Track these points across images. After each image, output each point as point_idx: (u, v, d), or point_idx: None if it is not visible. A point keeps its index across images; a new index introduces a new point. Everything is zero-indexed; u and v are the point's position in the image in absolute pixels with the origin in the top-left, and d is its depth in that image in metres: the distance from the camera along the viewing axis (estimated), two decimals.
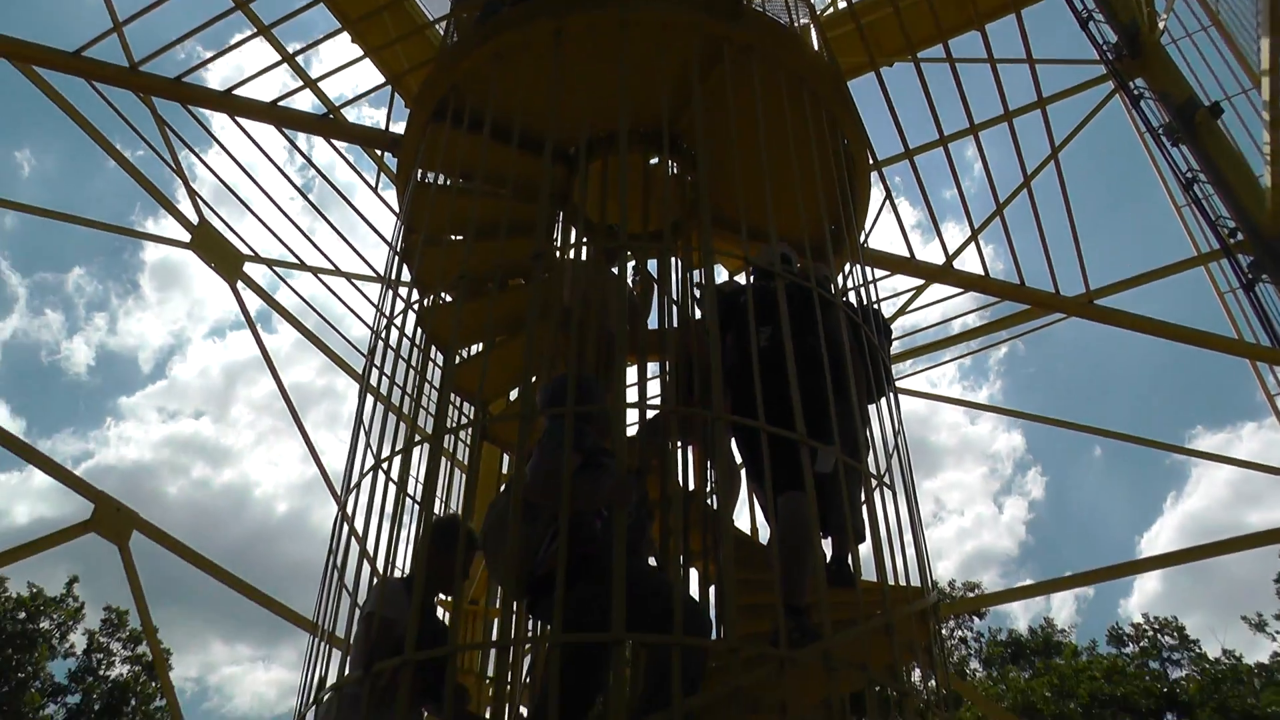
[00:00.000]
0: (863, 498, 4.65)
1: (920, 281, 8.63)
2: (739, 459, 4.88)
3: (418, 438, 4.39)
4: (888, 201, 7.64)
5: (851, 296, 5.49)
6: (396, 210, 6.50)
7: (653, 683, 3.49)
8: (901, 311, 9.11)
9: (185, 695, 52.85)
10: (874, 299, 5.54)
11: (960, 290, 8.12)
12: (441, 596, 4.71)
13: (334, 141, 8.38)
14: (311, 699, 3.93)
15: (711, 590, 4.45)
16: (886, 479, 4.35)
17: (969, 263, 7.74)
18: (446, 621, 4.94)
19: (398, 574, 4.25)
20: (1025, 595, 8.42)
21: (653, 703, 3.34)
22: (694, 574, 4.85)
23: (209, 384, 62.59)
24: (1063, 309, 7.48)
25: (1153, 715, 23.18)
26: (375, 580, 4.02)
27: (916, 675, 4.60)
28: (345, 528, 4.34)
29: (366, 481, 4.19)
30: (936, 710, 4.09)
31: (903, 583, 4.15)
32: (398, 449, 4.19)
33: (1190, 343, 7.23)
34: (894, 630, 3.73)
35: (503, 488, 4.17)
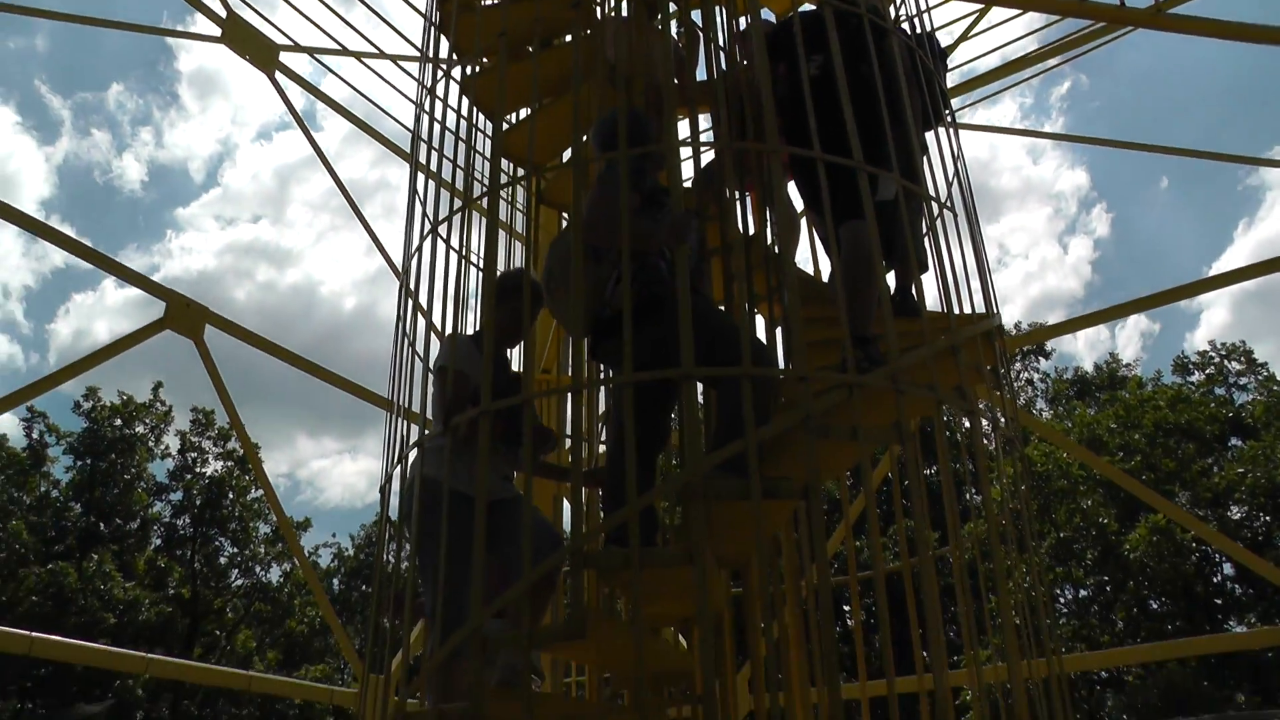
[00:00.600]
0: (924, 227, 4.61)
1: (978, 6, 8.21)
2: (798, 198, 4.82)
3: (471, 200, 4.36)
4: None
5: (906, 26, 5.28)
6: None
7: (724, 420, 3.57)
8: (962, 38, 8.70)
9: (279, 490, 55.67)
10: (929, 26, 5.32)
11: (1020, 12, 7.71)
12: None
13: None
14: (396, 460, 4.10)
15: (779, 332, 4.48)
16: (948, 204, 4.28)
17: None
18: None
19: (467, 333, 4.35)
20: (1089, 324, 8.35)
21: (725, 438, 3.42)
22: (759, 319, 4.89)
23: (262, 187, 62.92)
24: (1130, 21, 7.05)
25: (1217, 440, 23.49)
26: (444, 339, 4.10)
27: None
28: (409, 300, 4.41)
29: (426, 251, 4.21)
30: (1004, 430, 4.16)
31: (967, 310, 4.17)
32: (455, 209, 4.17)
33: (1272, 42, 6.75)
34: (960, 351, 3.76)
35: (564, 224, 4.14)
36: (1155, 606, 21.78)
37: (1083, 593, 23.61)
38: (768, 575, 3.36)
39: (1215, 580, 22.68)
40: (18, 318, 56.12)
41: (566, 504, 4.79)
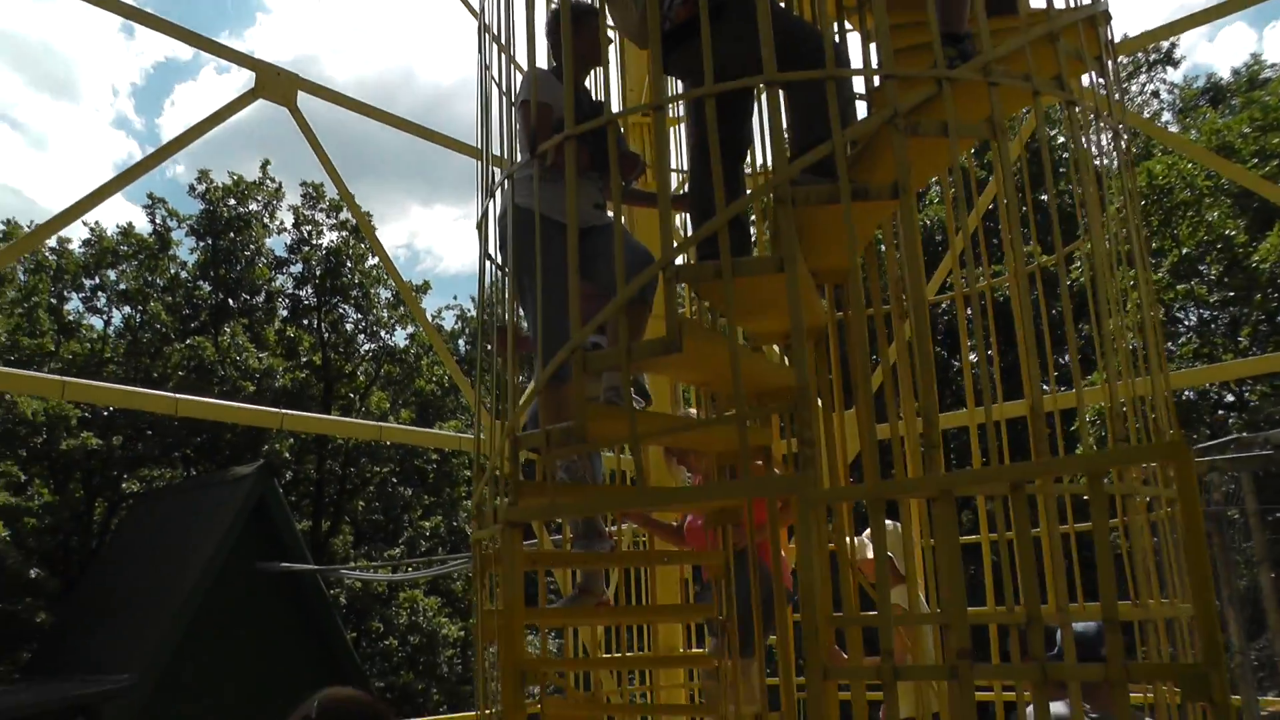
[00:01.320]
0: None
1: None
2: None
3: None
4: None
5: None
6: None
7: (805, 124, 3.49)
8: None
9: (399, 261, 57.20)
10: None
11: None
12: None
13: None
14: (491, 190, 4.14)
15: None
16: None
17: None
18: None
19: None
20: (1218, 15, 7.67)
21: (807, 143, 3.35)
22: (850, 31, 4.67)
23: None
24: None
25: None
26: (524, 74, 4.05)
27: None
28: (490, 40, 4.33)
29: None
30: (1110, 122, 3.97)
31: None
32: None
33: None
34: (1058, 39, 3.55)
35: None
36: None
37: (1204, 312, 22.96)
38: (860, 285, 3.34)
39: None
40: (130, 114, 57.18)
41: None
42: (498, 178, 4.07)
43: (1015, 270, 3.51)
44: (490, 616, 3.67)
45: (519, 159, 4.00)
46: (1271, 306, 20.43)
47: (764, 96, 3.86)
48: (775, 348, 4.94)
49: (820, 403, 3.98)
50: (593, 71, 4.49)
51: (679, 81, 4.28)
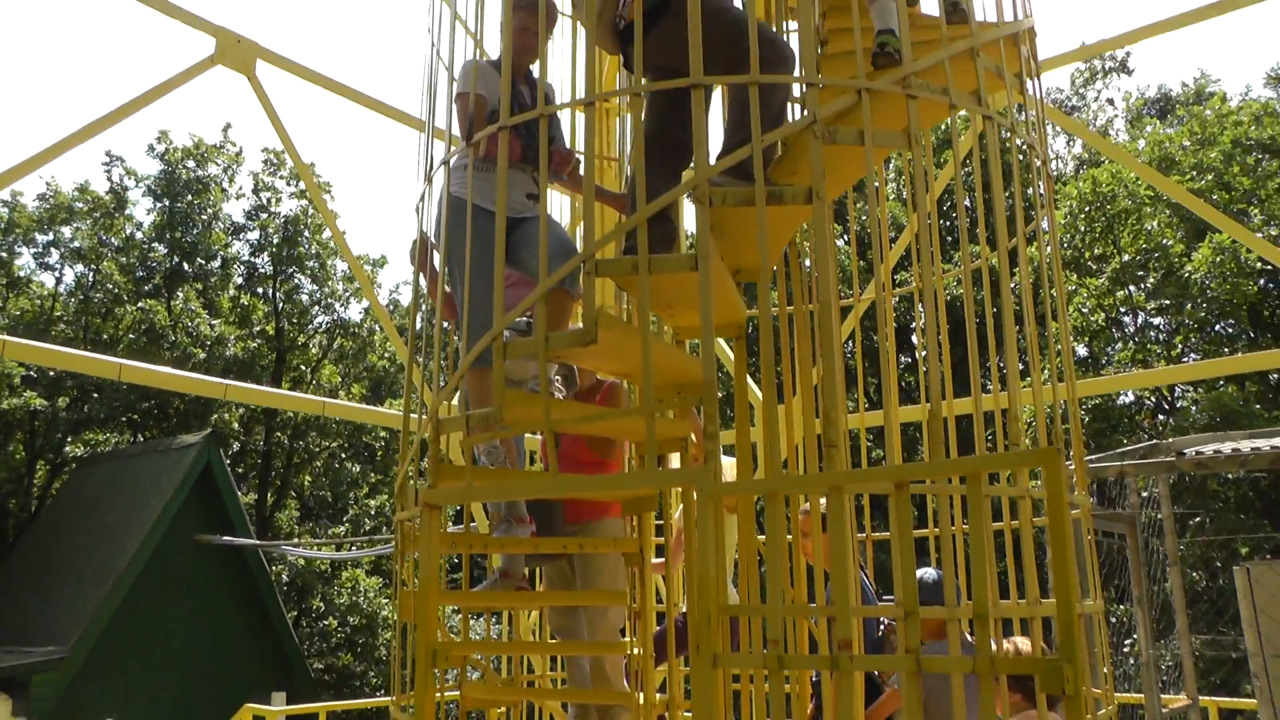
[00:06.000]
0: None
1: None
2: None
3: None
4: None
5: None
6: None
7: (733, 124, 3.61)
8: None
9: (367, 226, 56.58)
10: None
11: None
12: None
13: None
14: (429, 175, 4.21)
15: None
16: None
17: None
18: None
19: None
20: (1166, 29, 7.90)
21: (734, 143, 3.47)
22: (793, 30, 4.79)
23: None
24: None
25: None
26: (464, 63, 4.13)
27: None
28: (439, 15, 4.39)
29: None
30: (1030, 138, 4.11)
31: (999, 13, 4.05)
32: None
33: None
34: (978, 54, 3.68)
35: None
36: (1218, 330, 21.60)
37: (1142, 317, 23.49)
38: (769, 283, 3.45)
39: None
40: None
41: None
42: (440, 158, 4.15)
43: (927, 281, 3.63)
44: (408, 597, 3.77)
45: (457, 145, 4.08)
46: (1201, 316, 20.94)
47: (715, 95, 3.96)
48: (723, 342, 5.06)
49: (760, 394, 4.09)
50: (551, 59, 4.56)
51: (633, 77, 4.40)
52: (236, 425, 27.84)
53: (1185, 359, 21.12)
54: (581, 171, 4.35)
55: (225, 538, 17.15)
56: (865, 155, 3.36)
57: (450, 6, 4.18)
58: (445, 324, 4.25)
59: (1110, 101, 30.26)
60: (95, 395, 26.50)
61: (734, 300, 3.98)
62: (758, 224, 3.15)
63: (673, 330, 4.41)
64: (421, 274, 4.36)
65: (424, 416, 3.91)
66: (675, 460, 4.49)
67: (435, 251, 4.22)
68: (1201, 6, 7.76)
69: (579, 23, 4.11)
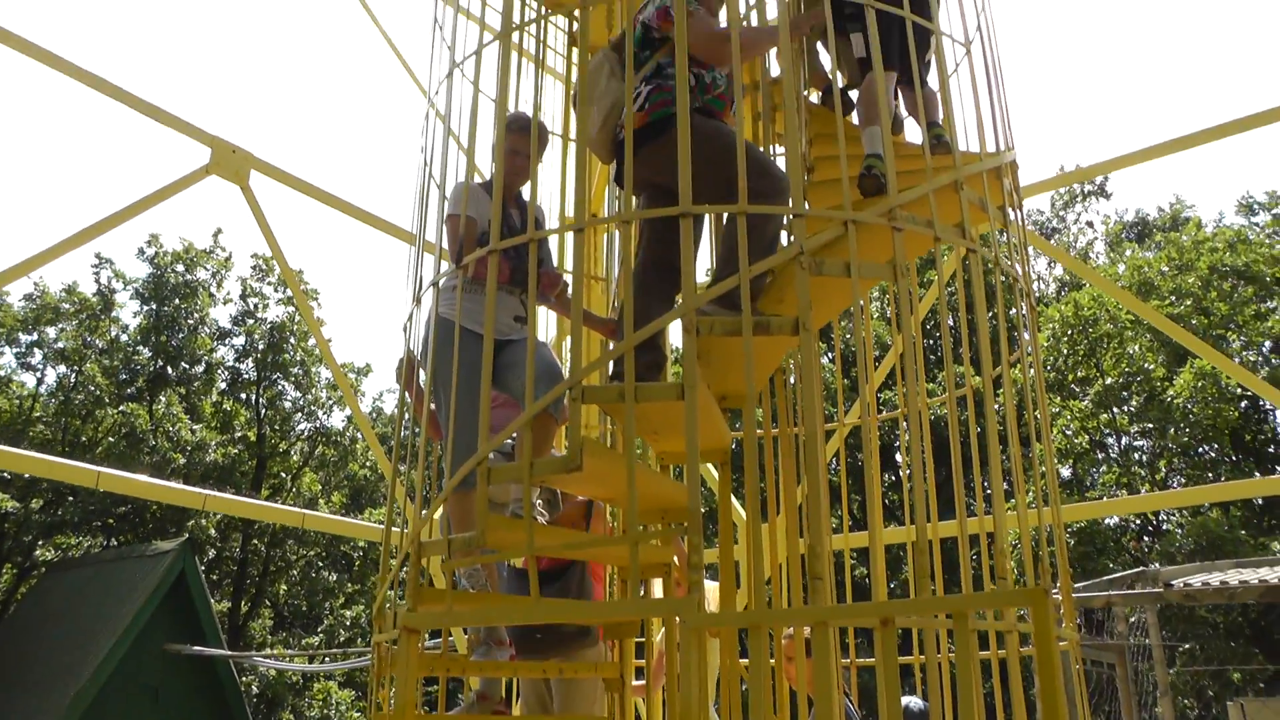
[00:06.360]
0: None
1: None
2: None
3: (490, 37, 4.32)
4: None
5: None
6: None
7: (723, 253, 3.65)
8: None
9: (352, 334, 56.77)
10: None
11: None
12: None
13: None
14: (417, 296, 4.24)
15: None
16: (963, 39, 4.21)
17: None
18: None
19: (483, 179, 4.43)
20: (1143, 159, 8.14)
21: (724, 271, 3.51)
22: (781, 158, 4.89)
23: None
24: None
25: (1277, 283, 22.86)
26: (455, 185, 4.20)
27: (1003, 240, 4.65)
28: (433, 135, 4.46)
29: (454, 90, 4.24)
30: (1007, 269, 4.17)
31: (981, 146, 4.15)
32: (481, 45, 4.13)
33: None
34: (962, 187, 3.75)
35: (610, 45, 4.18)
36: (1200, 455, 21.72)
37: (1125, 440, 23.60)
38: (755, 413, 3.46)
39: (1267, 428, 22.48)
40: None
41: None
42: (428, 277, 4.17)
43: (914, 404, 3.64)
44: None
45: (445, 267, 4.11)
46: (1184, 440, 21.06)
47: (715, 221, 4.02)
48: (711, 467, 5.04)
49: (745, 515, 4.06)
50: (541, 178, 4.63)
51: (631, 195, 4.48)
52: (214, 531, 27.43)
53: (1170, 482, 21.17)
54: (570, 294, 4.39)
55: (195, 647, 16.73)
56: (851, 286, 3.40)
57: (444, 122, 4.25)
58: (430, 442, 4.23)
59: (1090, 224, 30.96)
60: (70, 498, 26.13)
61: (719, 427, 3.98)
62: (744, 354, 3.17)
63: (657, 454, 4.39)
64: (408, 393, 4.35)
65: (405, 531, 3.86)
66: (658, 585, 4.43)
67: (421, 371, 4.22)
68: (1175, 139, 8.02)
69: (572, 136, 4.20)
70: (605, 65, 4.05)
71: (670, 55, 3.87)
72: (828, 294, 3.79)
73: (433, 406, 4.19)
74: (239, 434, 29.80)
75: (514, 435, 4.01)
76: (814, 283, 3.30)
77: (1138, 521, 22.68)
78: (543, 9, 6.14)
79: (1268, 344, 21.95)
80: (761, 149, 4.57)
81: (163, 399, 28.46)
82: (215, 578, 27.66)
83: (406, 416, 4.37)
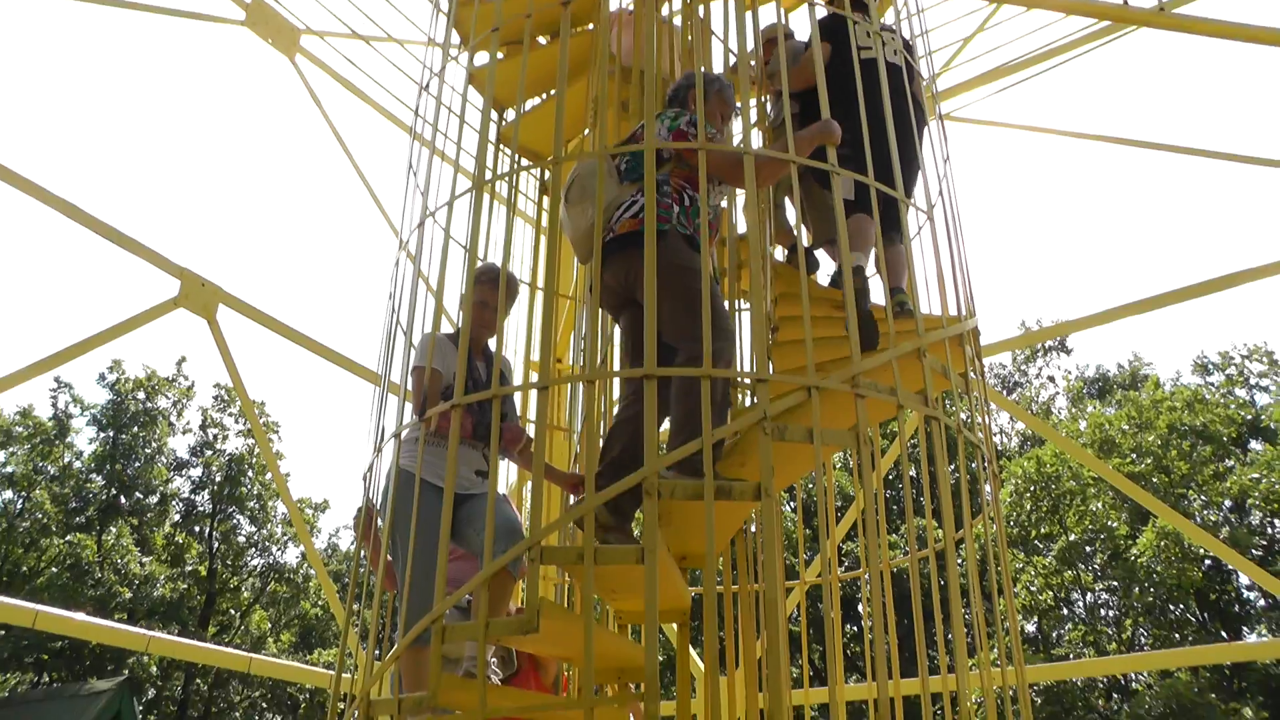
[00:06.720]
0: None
1: (983, 4, 8.22)
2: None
3: (464, 186, 4.38)
4: None
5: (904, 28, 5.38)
6: None
7: (679, 417, 3.64)
8: (962, 46, 8.70)
9: (311, 467, 56.07)
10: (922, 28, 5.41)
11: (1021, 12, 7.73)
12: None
13: None
14: (378, 446, 4.20)
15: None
16: (924, 207, 4.33)
17: None
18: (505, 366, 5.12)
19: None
20: (1100, 321, 8.29)
21: (682, 434, 3.51)
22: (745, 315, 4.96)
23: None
24: (1133, 21, 7.00)
25: (1234, 443, 23.24)
26: (422, 336, 4.20)
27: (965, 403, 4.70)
28: (403, 280, 4.49)
29: (425, 236, 4.29)
30: (975, 435, 4.19)
31: (943, 312, 4.22)
32: (454, 196, 4.19)
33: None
34: (925, 354, 3.80)
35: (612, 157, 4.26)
36: (1167, 614, 21.64)
37: (1091, 597, 23.51)
38: (715, 577, 3.41)
39: (1230, 588, 22.48)
40: None
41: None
42: (390, 427, 4.13)
43: (875, 566, 3.60)
44: None
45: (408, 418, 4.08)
46: (1150, 600, 21.00)
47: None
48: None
49: (704, 668, 3.96)
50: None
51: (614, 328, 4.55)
52: (155, 669, 26.45)
53: (1137, 640, 21.00)
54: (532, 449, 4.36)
55: None
56: (814, 452, 3.39)
57: (414, 263, 4.28)
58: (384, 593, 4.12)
59: (1051, 379, 31.45)
60: (2, 632, 25.18)
61: (679, 588, 3.91)
62: (705, 518, 3.13)
63: (615, 612, 4.30)
64: (364, 544, 4.26)
65: (354, 676, 3.72)
66: None
67: (379, 521, 4.14)
68: (1136, 301, 8.17)
69: (540, 285, 4.23)
70: (604, 166, 4.06)
71: (669, 172, 3.96)
72: (790, 457, 3.78)
73: (389, 558, 4.10)
74: (190, 568, 29.06)
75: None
76: (776, 448, 3.30)
77: (1105, 681, 22.39)
78: (518, 158, 6.27)
79: (1228, 502, 22.15)
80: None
81: (113, 529, 27.78)
82: (153, 719, 26.55)
83: (363, 566, 4.27)
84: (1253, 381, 26.53)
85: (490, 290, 4.24)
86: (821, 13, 4.84)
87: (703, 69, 4.31)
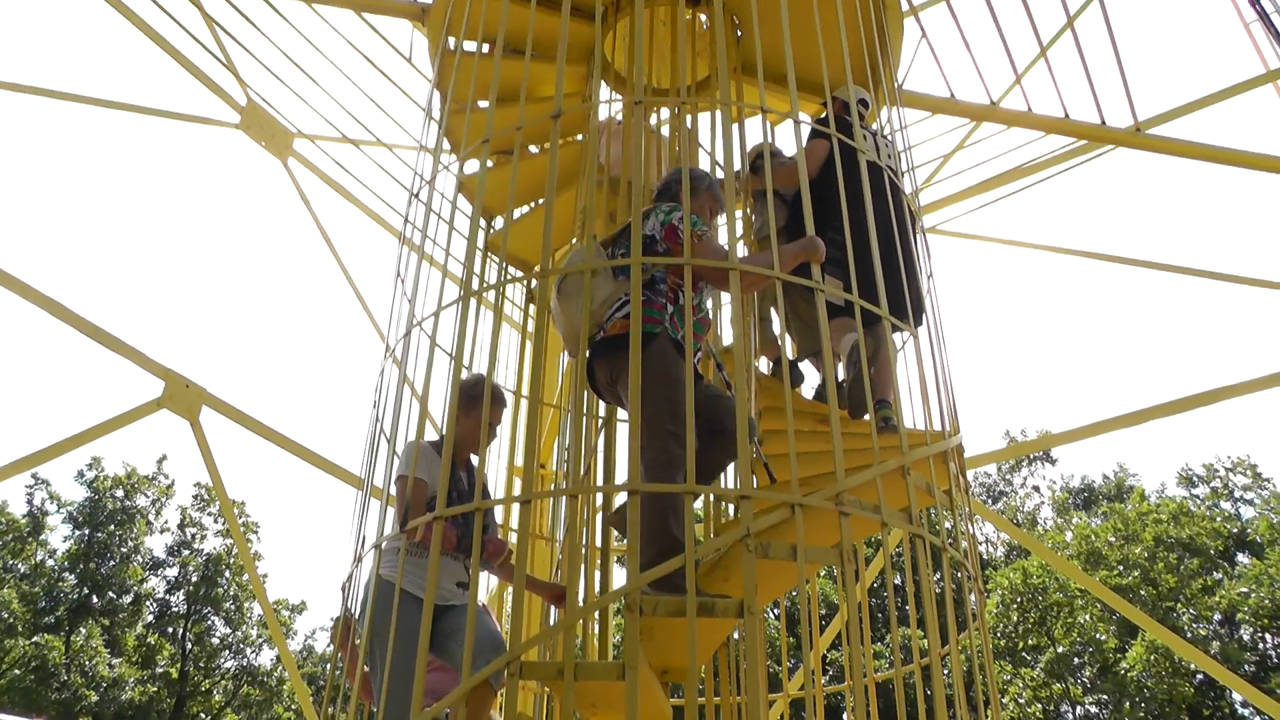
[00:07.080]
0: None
1: (963, 122, 8.42)
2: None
3: (452, 292, 4.43)
4: (924, 40, 7.44)
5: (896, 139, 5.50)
6: (431, 79, 6.50)
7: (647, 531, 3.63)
8: (944, 162, 8.90)
9: (292, 566, 55.27)
10: (907, 144, 5.55)
11: (1002, 129, 7.94)
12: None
13: (364, 15, 8.33)
14: (359, 556, 4.16)
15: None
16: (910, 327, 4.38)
17: (1011, 103, 7.49)
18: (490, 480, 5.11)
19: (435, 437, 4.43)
20: (1086, 435, 8.33)
21: (650, 549, 3.49)
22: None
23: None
24: (1110, 140, 7.20)
25: (1221, 556, 23.16)
26: (405, 444, 4.19)
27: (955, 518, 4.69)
28: (389, 388, 4.50)
29: (412, 343, 4.31)
30: (960, 552, 4.18)
31: (928, 428, 4.23)
32: (440, 307, 4.22)
33: (1252, 167, 6.86)
34: (909, 472, 3.80)
35: (601, 243, 4.26)
36: None
37: (1081, 710, 23.11)
38: (698, 693, 3.35)
39: (1224, 704, 22.11)
40: None
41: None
42: (371, 537, 4.10)
43: (860, 683, 3.55)
44: None
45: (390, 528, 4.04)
46: (1140, 715, 20.66)
47: None
48: None
49: None
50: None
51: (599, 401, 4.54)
52: None
53: None
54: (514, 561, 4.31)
55: None
56: (798, 570, 3.37)
57: (399, 367, 4.29)
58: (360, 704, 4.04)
59: (1036, 489, 31.39)
60: None
61: (659, 703, 3.83)
62: (688, 634, 3.10)
63: None
64: (341, 653, 4.19)
65: None
66: None
67: (358, 630, 4.08)
68: (1121, 415, 8.19)
69: (525, 394, 4.23)
70: (597, 259, 4.06)
71: (662, 270, 3.97)
72: (774, 574, 3.74)
73: (366, 668, 4.04)
74: (160, 670, 28.37)
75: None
76: (760, 564, 3.27)
77: None
78: (505, 268, 6.33)
79: (1218, 616, 21.96)
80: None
81: (83, 630, 27.15)
82: None
83: (339, 678, 4.19)
84: (1237, 494, 26.58)
85: (475, 405, 4.23)
86: (806, 130, 4.95)
87: (690, 167, 4.37)
